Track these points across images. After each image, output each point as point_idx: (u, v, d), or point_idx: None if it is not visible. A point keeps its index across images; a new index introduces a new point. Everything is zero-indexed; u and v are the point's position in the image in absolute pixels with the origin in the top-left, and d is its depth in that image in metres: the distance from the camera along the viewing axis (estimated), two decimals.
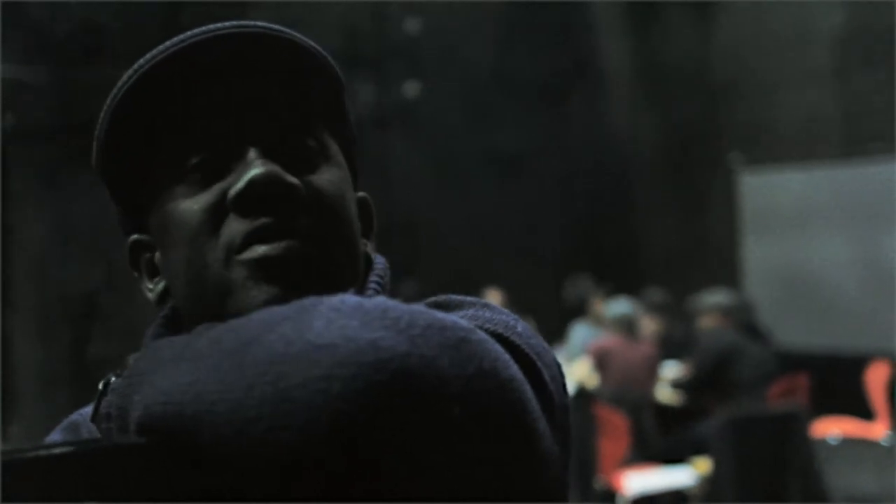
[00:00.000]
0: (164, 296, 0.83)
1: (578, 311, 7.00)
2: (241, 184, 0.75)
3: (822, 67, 7.67)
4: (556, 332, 6.63)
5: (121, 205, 0.85)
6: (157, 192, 0.80)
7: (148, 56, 0.78)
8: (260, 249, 0.74)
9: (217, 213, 0.76)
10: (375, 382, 0.58)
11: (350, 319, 0.61)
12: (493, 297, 6.61)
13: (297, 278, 0.74)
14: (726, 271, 7.86)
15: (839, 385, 6.35)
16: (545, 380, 0.72)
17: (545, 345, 0.77)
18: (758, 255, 8.00)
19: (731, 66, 8.33)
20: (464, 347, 0.63)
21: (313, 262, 0.75)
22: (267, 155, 0.76)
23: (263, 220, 0.75)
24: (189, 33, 0.77)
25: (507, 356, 0.67)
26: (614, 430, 4.98)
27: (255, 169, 0.75)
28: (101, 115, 0.80)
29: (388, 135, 7.53)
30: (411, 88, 7.65)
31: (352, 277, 0.79)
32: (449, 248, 7.58)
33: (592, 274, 7.38)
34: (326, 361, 0.59)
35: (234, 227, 0.75)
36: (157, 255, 0.82)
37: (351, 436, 0.58)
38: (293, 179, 0.76)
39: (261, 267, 0.74)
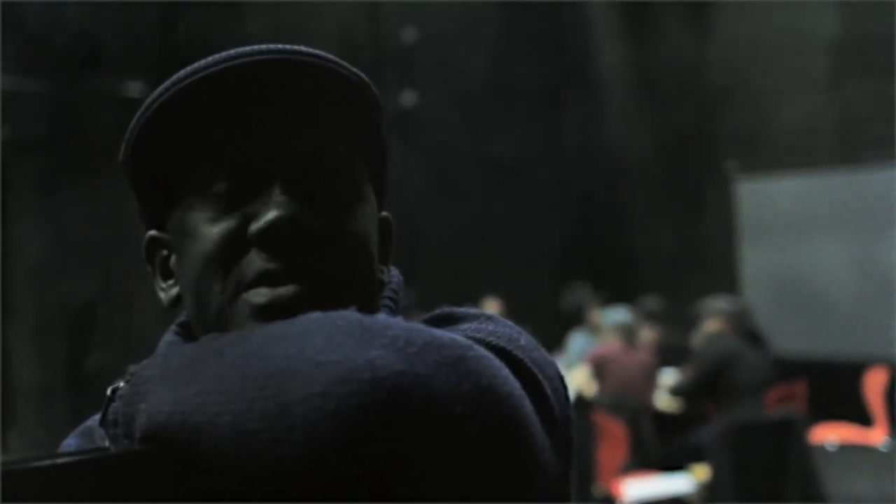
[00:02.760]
0: (176, 301, 0.83)
1: (576, 319, 7.00)
2: (261, 223, 0.75)
3: (818, 75, 7.69)
4: (553, 341, 6.63)
5: (142, 201, 0.85)
6: (179, 200, 0.80)
7: (188, 70, 0.77)
8: (265, 293, 0.75)
9: (232, 242, 0.76)
10: (371, 400, 0.59)
11: (349, 337, 0.62)
12: (492, 307, 6.61)
13: None
14: (723, 279, 7.86)
15: (837, 391, 6.35)
16: (546, 393, 0.73)
17: (548, 357, 0.78)
18: (755, 262, 8.00)
19: (727, 74, 8.35)
20: (461, 365, 0.63)
21: (318, 307, 0.73)
22: (293, 189, 0.76)
23: (278, 262, 0.75)
24: (233, 52, 0.77)
25: (506, 371, 0.68)
26: (613, 437, 4.98)
27: (278, 210, 0.75)
28: (135, 118, 0.80)
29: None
30: (408, 97, 7.66)
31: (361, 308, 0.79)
32: (446, 257, 7.59)
33: (589, 282, 7.38)
34: (324, 378, 0.59)
35: (248, 261, 0.76)
36: (174, 258, 0.83)
37: (347, 452, 0.59)
38: (316, 222, 0.76)
39: (262, 311, 0.75)
